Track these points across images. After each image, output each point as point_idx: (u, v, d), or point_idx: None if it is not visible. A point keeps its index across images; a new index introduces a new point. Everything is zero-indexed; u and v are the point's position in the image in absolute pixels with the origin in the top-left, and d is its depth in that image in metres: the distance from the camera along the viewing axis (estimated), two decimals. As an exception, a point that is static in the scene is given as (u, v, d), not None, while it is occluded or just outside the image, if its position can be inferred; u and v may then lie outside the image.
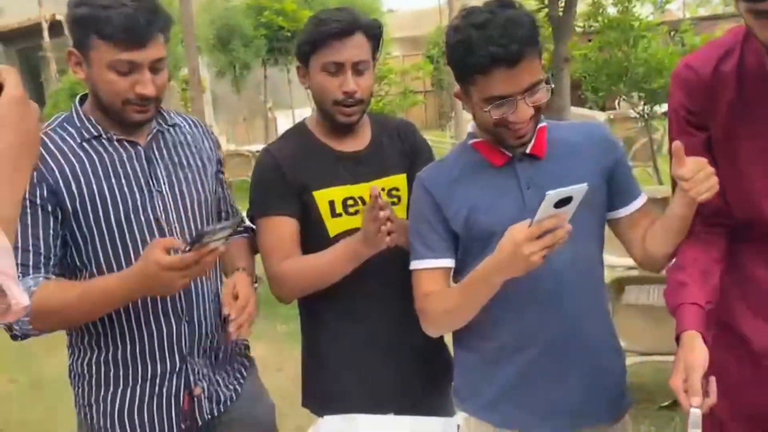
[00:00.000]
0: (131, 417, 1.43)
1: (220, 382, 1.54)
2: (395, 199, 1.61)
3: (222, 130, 15.41)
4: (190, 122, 1.58)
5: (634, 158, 7.50)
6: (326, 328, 1.65)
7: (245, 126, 13.70)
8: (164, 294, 1.33)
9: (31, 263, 1.29)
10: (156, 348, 1.42)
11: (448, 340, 1.59)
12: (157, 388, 1.44)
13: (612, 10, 9.97)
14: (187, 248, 1.20)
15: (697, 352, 1.16)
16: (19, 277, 1.03)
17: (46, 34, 12.18)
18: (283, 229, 1.55)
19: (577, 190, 1.09)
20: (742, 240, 1.30)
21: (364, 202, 1.56)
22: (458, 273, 1.39)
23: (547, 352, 1.32)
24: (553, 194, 1.07)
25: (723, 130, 1.22)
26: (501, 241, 1.17)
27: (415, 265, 1.38)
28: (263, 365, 3.70)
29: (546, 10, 4.70)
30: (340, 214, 1.57)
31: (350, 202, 1.58)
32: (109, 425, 1.43)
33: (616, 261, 2.58)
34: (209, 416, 1.51)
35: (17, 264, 1.14)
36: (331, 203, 1.57)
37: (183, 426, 1.46)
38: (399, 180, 1.63)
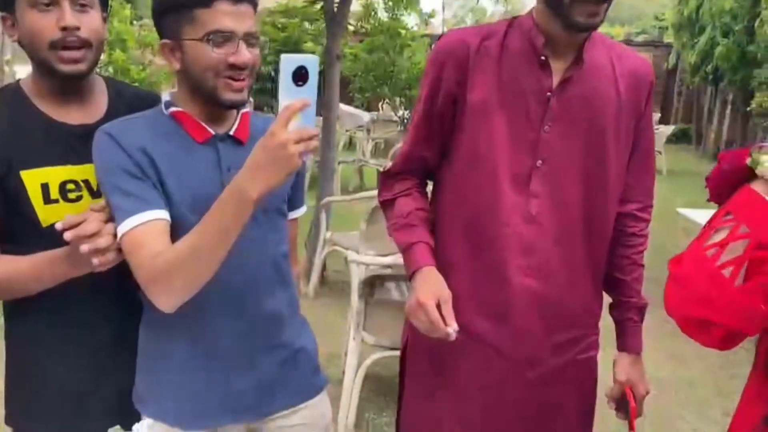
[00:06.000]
0: None
1: None
2: None
3: (-59, 78, 13.04)
4: None
5: (393, 159, 7.96)
6: (31, 328, 1.36)
7: (-27, 78, 11.73)
8: None
9: None
10: None
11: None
12: None
13: (383, 15, 10.55)
14: None
15: (442, 284, 1.30)
16: None
17: None
18: None
19: (310, 60, 1.06)
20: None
21: (90, 187, 1.31)
22: None
23: (236, 345, 1.29)
24: (289, 59, 1.04)
25: (481, 98, 1.34)
26: (256, 147, 1.06)
27: (128, 224, 1.13)
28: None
29: (321, 3, 4.72)
30: (56, 200, 1.28)
31: (70, 186, 1.29)
32: None
33: (370, 259, 2.67)
34: None
35: None
36: (45, 186, 1.27)
37: None
38: None
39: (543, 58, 1.31)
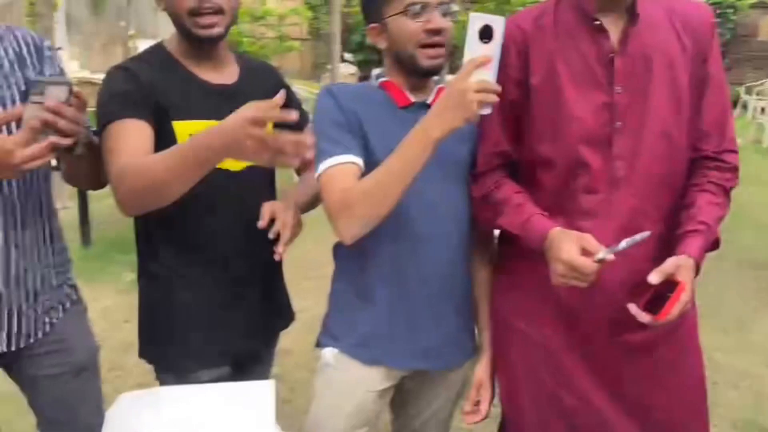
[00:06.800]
0: None
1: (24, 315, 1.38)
2: None
3: (74, 54, 14.07)
4: (22, 39, 1.36)
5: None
6: (165, 266, 1.47)
7: (103, 53, 12.57)
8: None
9: None
10: None
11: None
12: None
13: (493, -19, 10.26)
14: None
15: (574, 233, 1.25)
16: None
17: None
18: (135, 131, 1.32)
19: (497, 21, 1.15)
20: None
21: None
22: None
23: (422, 292, 1.38)
24: (477, 17, 1.14)
25: (545, 75, 1.34)
26: (442, 94, 1.20)
27: (326, 164, 1.30)
28: (110, 316, 3.47)
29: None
30: None
31: None
32: None
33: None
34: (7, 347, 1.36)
35: None
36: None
37: None
38: None
39: (597, 22, 1.31)
